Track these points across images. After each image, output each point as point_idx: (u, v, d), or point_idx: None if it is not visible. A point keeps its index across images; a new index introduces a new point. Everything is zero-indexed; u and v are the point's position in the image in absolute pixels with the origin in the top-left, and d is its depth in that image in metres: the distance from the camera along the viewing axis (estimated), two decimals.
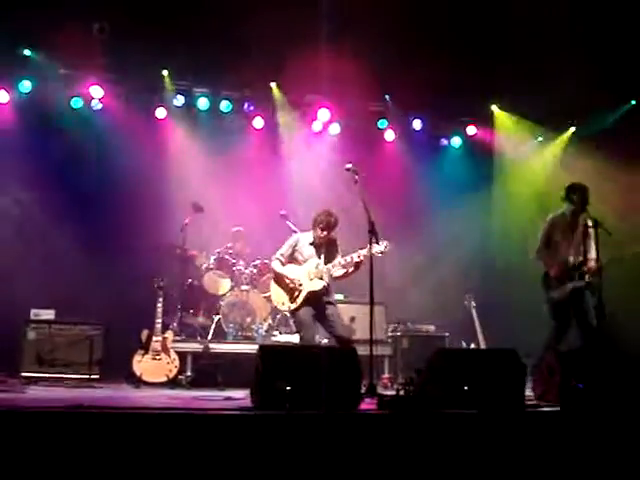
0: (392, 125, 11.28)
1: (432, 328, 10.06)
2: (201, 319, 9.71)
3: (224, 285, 9.68)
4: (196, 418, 5.38)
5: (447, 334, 9.89)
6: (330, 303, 7.68)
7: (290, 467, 5.01)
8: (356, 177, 7.28)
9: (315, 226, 7.64)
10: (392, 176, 10.78)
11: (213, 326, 9.47)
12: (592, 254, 7.83)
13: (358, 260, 7.40)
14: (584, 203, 7.83)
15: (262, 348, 6.17)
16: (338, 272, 7.63)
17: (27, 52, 9.61)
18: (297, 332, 7.90)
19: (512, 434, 5.55)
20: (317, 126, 11.09)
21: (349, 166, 7.33)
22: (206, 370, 8.96)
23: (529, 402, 6.42)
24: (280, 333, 9.52)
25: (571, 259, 7.90)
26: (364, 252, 7.32)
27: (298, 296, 7.57)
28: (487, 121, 11.34)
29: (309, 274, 7.58)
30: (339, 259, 7.58)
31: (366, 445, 5.24)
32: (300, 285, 7.57)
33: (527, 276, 8.55)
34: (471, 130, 11.48)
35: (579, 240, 7.93)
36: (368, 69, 9.45)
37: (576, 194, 7.90)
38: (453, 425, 5.54)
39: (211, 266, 9.83)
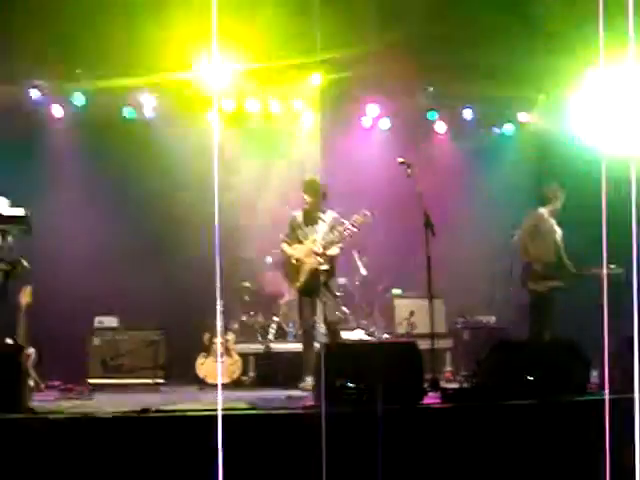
0: (442, 116, 11.17)
1: (493, 319, 9.96)
2: (261, 319, 9.78)
3: (282, 285, 9.72)
4: (261, 418, 5.42)
5: (508, 325, 9.77)
6: (326, 284, 7.83)
7: (356, 463, 5.02)
8: (409, 171, 7.26)
9: (305, 196, 7.94)
10: (445, 167, 10.69)
11: (273, 326, 9.53)
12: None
13: (347, 233, 7.76)
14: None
15: (324, 346, 6.19)
16: (333, 251, 7.87)
17: (78, 70, 9.78)
18: (299, 313, 8.13)
19: (576, 424, 5.47)
20: (367, 122, 11.05)
21: (401, 160, 7.32)
22: (269, 370, 9.03)
23: (593, 391, 6.31)
24: (339, 332, 9.51)
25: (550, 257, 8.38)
26: (347, 224, 7.75)
27: (300, 274, 7.83)
28: (539, 106, 11.12)
29: (307, 251, 7.85)
30: (322, 234, 7.83)
31: (431, 439, 5.22)
32: (301, 263, 7.84)
33: (586, 263, 8.41)
34: (523, 117, 11.27)
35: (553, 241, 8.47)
36: (415, 60, 9.38)
37: (555, 195, 8.55)
38: (516, 416, 5.48)
39: (268, 267, 9.88)
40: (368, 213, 7.86)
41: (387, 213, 9.29)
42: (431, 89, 10.65)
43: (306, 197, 7.93)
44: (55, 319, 8.81)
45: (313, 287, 7.80)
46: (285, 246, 8.11)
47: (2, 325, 6.60)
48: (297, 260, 7.92)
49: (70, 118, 10.20)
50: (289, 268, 8.05)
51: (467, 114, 11.12)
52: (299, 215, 8.07)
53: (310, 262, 7.83)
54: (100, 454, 4.96)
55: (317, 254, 7.78)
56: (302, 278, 7.88)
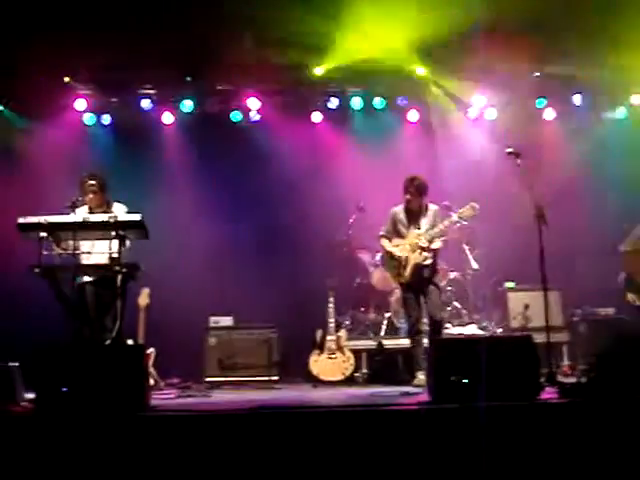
0: (551, 103, 10.87)
1: (611, 311, 9.63)
2: (372, 316, 9.80)
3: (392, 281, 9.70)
4: (376, 414, 5.43)
5: (627, 316, 9.44)
6: (431, 279, 7.78)
7: (471, 459, 4.96)
8: (518, 160, 7.10)
9: (405, 193, 7.83)
10: (556, 156, 10.40)
11: (385, 322, 9.53)
12: None
13: (448, 226, 7.73)
14: None
15: (435, 341, 6.15)
16: (436, 244, 7.77)
17: (188, 78, 10.09)
18: (403, 308, 8.09)
19: None
20: (473, 112, 10.89)
21: (510, 150, 7.17)
22: (381, 366, 9.04)
23: None
24: (452, 325, 9.42)
25: None
26: (455, 217, 7.71)
27: (405, 269, 7.73)
28: None
29: (411, 246, 7.73)
30: (425, 228, 7.73)
31: (548, 435, 5.11)
32: (405, 258, 7.72)
33: None
34: (636, 99, 10.81)
35: None
36: (521, 48, 9.19)
37: None
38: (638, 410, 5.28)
39: (378, 263, 9.89)
40: (476, 205, 7.74)
41: (497, 205, 9.14)
42: (539, 74, 10.39)
43: (407, 196, 7.85)
44: (172, 319, 9.09)
45: (417, 282, 7.72)
46: (385, 242, 8.03)
47: (123, 326, 6.84)
48: (400, 255, 7.85)
49: (179, 124, 10.53)
50: (391, 263, 7.98)
51: (577, 99, 10.79)
52: (400, 210, 7.98)
53: (414, 257, 7.75)
54: (220, 451, 5.08)
55: (423, 249, 7.70)
56: (406, 273, 7.77)
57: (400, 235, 7.90)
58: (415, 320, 7.78)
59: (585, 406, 5.36)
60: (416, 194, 7.75)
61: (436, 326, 7.62)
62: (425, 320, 8.31)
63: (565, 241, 9.11)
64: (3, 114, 10.29)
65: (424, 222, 7.81)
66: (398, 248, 7.84)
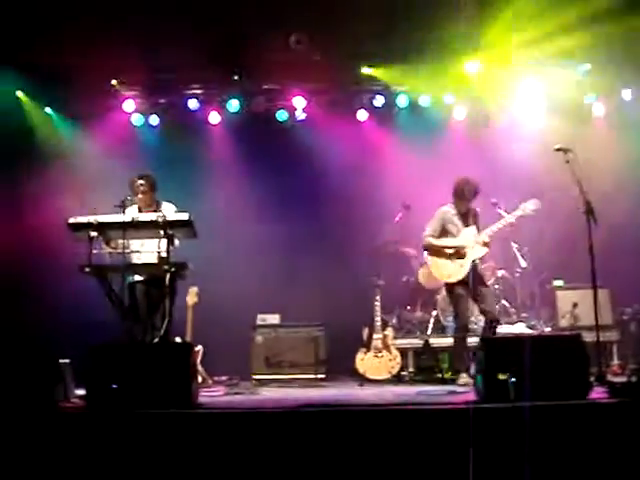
0: (600, 98, 10.68)
1: None
2: (419, 314, 9.77)
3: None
4: (423, 413, 5.41)
5: None
6: (484, 278, 7.88)
7: (520, 458, 4.92)
8: (566, 156, 7.01)
9: (456, 196, 7.82)
10: (605, 152, 10.21)
11: (432, 320, 9.49)
12: None
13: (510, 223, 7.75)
14: None
15: (483, 340, 6.11)
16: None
17: (235, 77, 10.16)
18: (453, 306, 7.94)
19: None
20: (519, 108, 10.74)
21: (558, 146, 7.07)
22: (428, 365, 9.00)
23: None
24: (500, 324, 9.32)
25: None
26: (519, 212, 7.69)
27: (463, 265, 7.66)
28: None
29: (469, 242, 7.69)
30: (496, 225, 7.76)
31: (597, 435, 5.04)
32: (464, 253, 7.68)
33: None
34: None
35: None
36: (570, 40, 9.07)
37: None
38: None
39: (424, 261, 9.83)
40: (539, 202, 7.73)
41: (546, 201, 9.02)
42: (589, 67, 10.21)
43: (461, 199, 7.82)
44: (220, 317, 9.16)
45: (471, 279, 7.66)
46: (432, 240, 7.89)
47: (172, 324, 6.94)
48: (457, 252, 7.75)
49: (226, 124, 10.62)
50: (443, 262, 7.82)
51: (626, 94, 10.58)
52: (450, 210, 7.92)
53: (473, 253, 7.67)
54: (266, 448, 5.12)
55: (486, 244, 7.68)
56: (464, 269, 7.66)
57: (450, 235, 7.82)
58: (464, 319, 7.72)
59: (635, 406, 5.28)
60: (469, 197, 7.73)
61: (493, 325, 7.53)
62: (473, 319, 8.27)
63: (614, 238, 8.96)
64: (52, 117, 10.49)
65: (472, 223, 7.77)
66: (452, 247, 7.75)
